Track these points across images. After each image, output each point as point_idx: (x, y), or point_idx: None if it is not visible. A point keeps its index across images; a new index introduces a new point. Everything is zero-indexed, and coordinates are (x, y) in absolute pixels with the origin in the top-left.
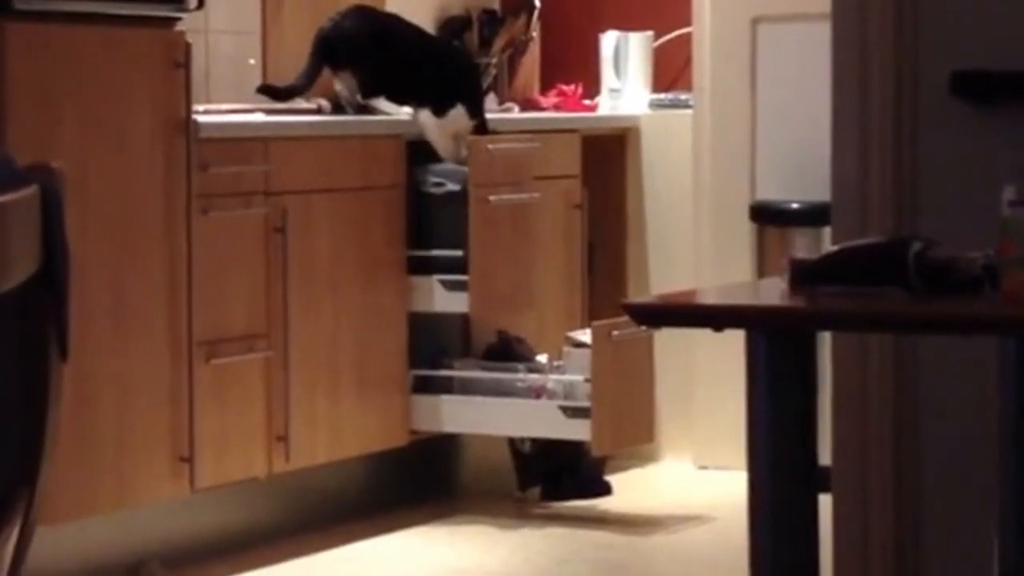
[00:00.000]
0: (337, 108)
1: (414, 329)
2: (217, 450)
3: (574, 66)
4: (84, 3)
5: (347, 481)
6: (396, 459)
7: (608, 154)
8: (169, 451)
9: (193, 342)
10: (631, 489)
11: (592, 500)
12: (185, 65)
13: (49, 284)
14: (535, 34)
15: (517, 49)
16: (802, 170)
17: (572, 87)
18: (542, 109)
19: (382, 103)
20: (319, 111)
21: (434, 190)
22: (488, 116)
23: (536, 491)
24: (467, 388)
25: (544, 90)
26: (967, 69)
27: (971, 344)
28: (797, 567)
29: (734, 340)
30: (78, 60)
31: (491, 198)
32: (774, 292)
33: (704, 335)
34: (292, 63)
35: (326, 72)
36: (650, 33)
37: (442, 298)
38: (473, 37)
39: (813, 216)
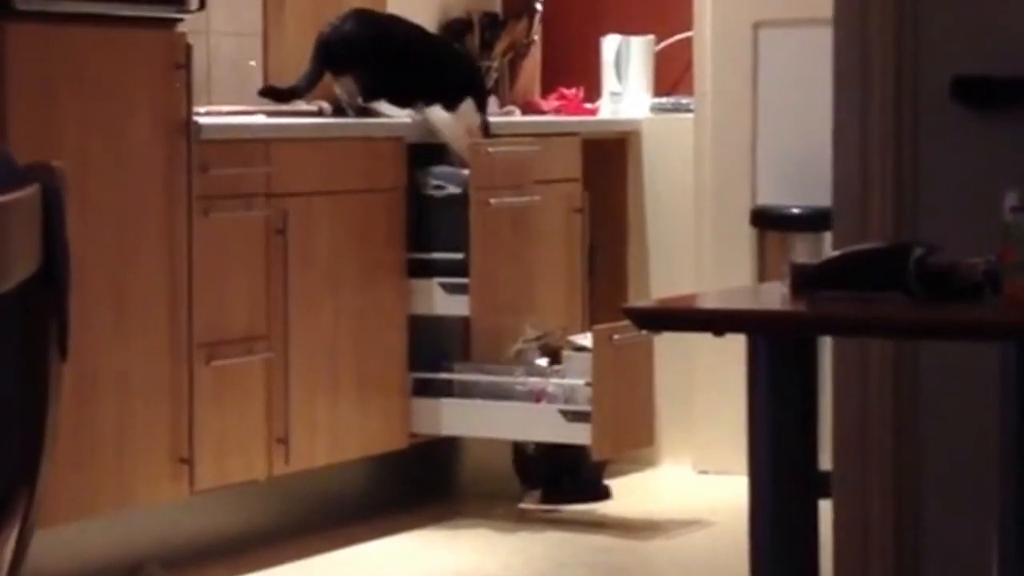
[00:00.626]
0: (338, 110)
1: (414, 332)
2: (217, 452)
3: (575, 70)
4: (85, 4)
5: (347, 484)
6: (396, 462)
7: (609, 158)
8: (169, 453)
9: (193, 344)
10: (631, 493)
11: (592, 504)
12: (186, 66)
13: (49, 283)
14: (536, 37)
15: (518, 52)
16: (803, 174)
17: (573, 91)
18: (543, 112)
19: (383, 106)
20: (320, 113)
21: (435, 193)
22: (489, 119)
23: (537, 493)
24: (467, 391)
25: (545, 93)
26: (968, 74)
27: (972, 349)
28: (797, 571)
29: (735, 344)
30: (79, 61)
31: (492, 201)
32: (775, 297)
33: (704, 339)
34: (293, 65)
35: (327, 76)
36: (651, 37)
37: (442, 301)
38: (474, 40)
39: (814, 221)
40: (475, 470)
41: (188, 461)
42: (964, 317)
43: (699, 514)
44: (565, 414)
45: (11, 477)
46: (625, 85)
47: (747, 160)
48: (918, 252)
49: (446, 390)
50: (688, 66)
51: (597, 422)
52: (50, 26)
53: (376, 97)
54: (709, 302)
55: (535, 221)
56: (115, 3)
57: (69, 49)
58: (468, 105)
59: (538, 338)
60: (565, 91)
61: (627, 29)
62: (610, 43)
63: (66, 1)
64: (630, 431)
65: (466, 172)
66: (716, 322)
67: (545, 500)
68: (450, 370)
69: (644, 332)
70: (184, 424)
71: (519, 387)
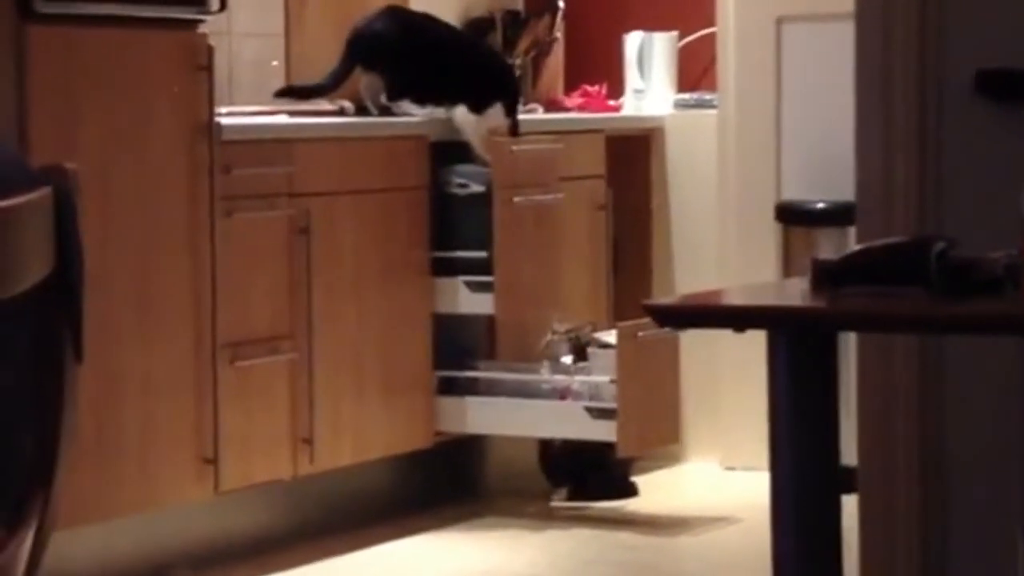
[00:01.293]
0: (360, 109)
1: (439, 330)
2: (242, 452)
3: (598, 67)
4: (106, 5)
5: (372, 483)
6: (421, 461)
7: (633, 154)
8: (194, 453)
9: (217, 344)
10: (657, 490)
11: (618, 501)
12: (208, 67)
13: (63, 286)
14: (559, 35)
15: (541, 50)
16: (827, 170)
17: (596, 88)
18: (566, 110)
19: (406, 105)
20: (342, 112)
21: (458, 191)
22: (520, 120)
23: (564, 491)
24: (492, 389)
25: (568, 91)
26: (992, 68)
27: (997, 342)
28: (820, 567)
29: (761, 340)
30: (100, 63)
31: (515, 199)
32: (796, 292)
33: (730, 335)
34: (315, 65)
35: (356, 71)
36: (674, 33)
37: (467, 299)
38: (497, 38)
39: (838, 216)
40: (501, 468)
41: (213, 462)
42: (984, 312)
43: (726, 511)
44: (591, 411)
45: (27, 479)
46: (648, 82)
47: (771, 155)
48: (939, 247)
49: (471, 388)
50: (711, 62)
51: (623, 419)
52: (71, 28)
53: (400, 97)
54: (730, 298)
55: (559, 219)
56: (136, 5)
57: (90, 51)
58: (495, 110)
59: (568, 331)
60: (588, 88)
61: (650, 25)
62: (633, 40)
63: (87, 3)
64: (656, 428)
65: (490, 170)
66: (735, 318)
67: (572, 498)
68: (475, 368)
69: (668, 329)
70: (209, 425)
71: (544, 385)
